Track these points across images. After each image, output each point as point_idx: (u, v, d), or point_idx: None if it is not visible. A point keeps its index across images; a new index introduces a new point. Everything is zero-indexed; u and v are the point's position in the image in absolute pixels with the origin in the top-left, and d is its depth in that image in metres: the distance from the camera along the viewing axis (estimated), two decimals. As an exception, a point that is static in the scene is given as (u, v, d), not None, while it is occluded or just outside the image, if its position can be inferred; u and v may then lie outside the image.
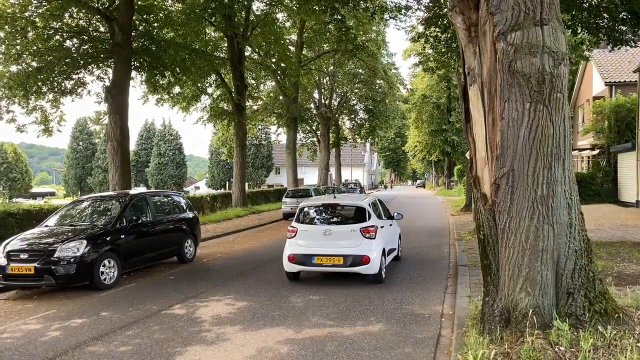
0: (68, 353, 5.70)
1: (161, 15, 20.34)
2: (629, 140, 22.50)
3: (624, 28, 13.74)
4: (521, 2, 4.85)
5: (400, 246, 11.56)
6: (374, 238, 8.90)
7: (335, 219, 9.67)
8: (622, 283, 7.25)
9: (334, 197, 10.90)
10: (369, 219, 9.18)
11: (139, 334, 6.34)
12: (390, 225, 10.63)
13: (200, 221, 13.78)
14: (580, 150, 29.43)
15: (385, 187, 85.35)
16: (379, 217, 9.84)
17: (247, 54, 27.92)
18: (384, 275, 9.11)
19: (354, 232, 8.94)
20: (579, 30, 14.31)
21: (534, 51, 4.84)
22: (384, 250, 9.22)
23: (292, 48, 31.42)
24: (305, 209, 9.75)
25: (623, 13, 13.16)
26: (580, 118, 31.76)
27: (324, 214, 9.78)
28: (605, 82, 26.05)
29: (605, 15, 13.41)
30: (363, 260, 8.62)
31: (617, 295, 5.81)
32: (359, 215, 9.33)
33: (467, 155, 6.08)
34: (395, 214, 11.21)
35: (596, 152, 26.31)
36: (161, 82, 21.84)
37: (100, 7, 17.63)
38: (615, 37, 13.77)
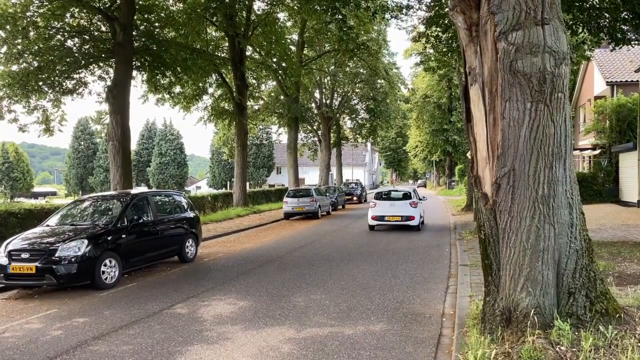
0: (69, 352, 5.71)
1: (162, 14, 20.36)
2: (631, 140, 22.47)
3: (625, 28, 13.71)
4: (522, 2, 4.84)
5: (424, 215, 19.10)
6: (416, 207, 17.18)
7: (395, 197, 18.21)
8: (624, 283, 7.24)
9: (393, 187, 21.96)
10: (413, 197, 17.51)
11: (140, 333, 6.34)
12: (421, 203, 18.37)
13: (201, 221, 13.79)
14: (582, 150, 29.42)
15: None
16: (417, 197, 17.78)
17: (248, 53, 27.92)
18: (420, 228, 17.43)
19: (406, 204, 17.27)
20: (580, 30, 14.29)
21: (535, 51, 4.84)
22: (420, 215, 17.56)
23: (293, 48, 31.41)
24: (380, 193, 18.96)
25: (624, 13, 13.14)
26: (581, 118, 31.74)
27: (389, 195, 18.66)
28: (607, 82, 26.02)
29: (607, 15, 13.38)
30: (411, 218, 16.95)
31: (618, 295, 5.80)
32: (408, 195, 17.77)
33: (468, 155, 6.07)
34: (422, 197, 19.39)
35: (597, 152, 26.28)
36: (162, 82, 21.86)
37: (102, 7, 17.64)
38: (617, 36, 13.75)
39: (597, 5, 13.33)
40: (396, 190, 19.21)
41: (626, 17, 13.21)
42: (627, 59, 26.04)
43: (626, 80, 25.59)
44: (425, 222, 19.68)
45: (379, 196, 18.38)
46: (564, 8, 11.56)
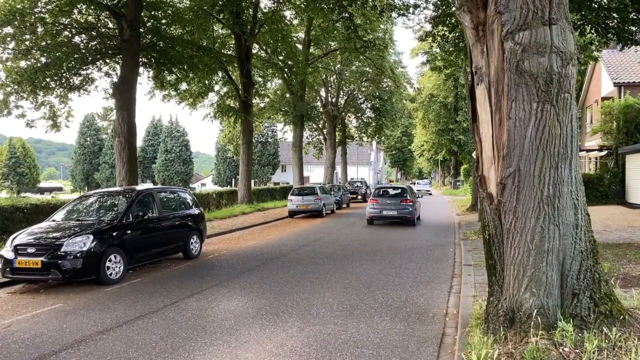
0: (74, 346, 5.75)
1: (169, 11, 20.41)
2: (638, 142, 22.34)
3: (634, 28, 13.62)
4: (530, 2, 4.82)
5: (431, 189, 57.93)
6: (431, 185, 64.65)
7: (421, 184, 58.36)
8: (628, 285, 7.21)
9: (416, 182, 65.46)
10: (430, 183, 67.92)
11: (145, 328, 6.38)
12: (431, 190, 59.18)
13: (205, 218, 13.83)
14: (588, 151, 29.26)
15: None
16: (430, 184, 64.17)
17: (254, 51, 27.92)
18: (432, 194, 54.21)
19: (426, 185, 58.52)
20: (588, 31, 14.21)
21: (542, 51, 4.82)
22: (431, 190, 58.47)
23: (299, 46, 31.41)
24: (414, 182, 69.80)
25: (633, 14, 13.06)
26: (588, 119, 31.56)
27: (420, 184, 59.44)
28: (614, 83, 25.85)
29: (615, 16, 13.30)
30: (430, 191, 53.77)
31: (623, 297, 5.78)
32: (428, 184, 62.55)
33: (474, 154, 6.06)
34: (430, 186, 62.20)
35: (604, 153, 26.13)
36: (168, 79, 21.94)
37: (109, 4, 17.70)
38: (625, 37, 13.66)
39: (606, 5, 13.25)
40: (421, 180, 66.85)
41: (634, 17, 13.12)
42: (635, 60, 25.81)
43: (634, 82, 25.41)
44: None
45: (413, 183, 58.34)
46: (572, 7, 11.49)
